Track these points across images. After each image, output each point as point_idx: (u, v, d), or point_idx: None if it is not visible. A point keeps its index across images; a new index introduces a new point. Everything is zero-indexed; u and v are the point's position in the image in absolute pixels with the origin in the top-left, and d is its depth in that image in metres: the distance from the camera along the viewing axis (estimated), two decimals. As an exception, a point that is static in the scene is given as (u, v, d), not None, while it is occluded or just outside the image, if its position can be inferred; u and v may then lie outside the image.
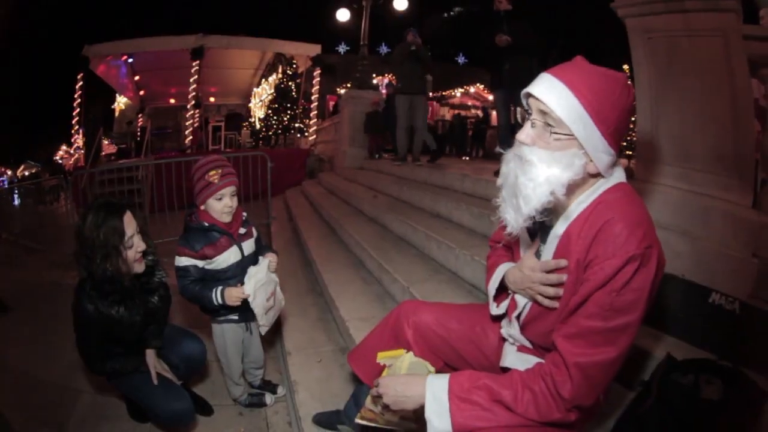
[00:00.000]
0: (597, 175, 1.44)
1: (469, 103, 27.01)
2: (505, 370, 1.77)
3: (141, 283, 2.60)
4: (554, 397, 1.37)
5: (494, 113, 17.49)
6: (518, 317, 1.70)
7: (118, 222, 2.35)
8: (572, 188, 1.43)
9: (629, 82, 1.39)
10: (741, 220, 2.59)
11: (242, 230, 2.91)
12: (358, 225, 5.65)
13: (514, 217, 1.48)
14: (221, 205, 2.73)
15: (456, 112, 22.64)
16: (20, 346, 4.20)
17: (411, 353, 1.79)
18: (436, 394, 1.48)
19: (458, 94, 27.02)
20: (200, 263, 2.75)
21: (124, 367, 2.57)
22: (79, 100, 16.69)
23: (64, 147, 31.00)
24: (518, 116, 1.56)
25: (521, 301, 1.65)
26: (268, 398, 3.15)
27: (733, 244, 2.54)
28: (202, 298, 2.72)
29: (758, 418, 1.61)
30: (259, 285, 2.76)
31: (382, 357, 1.83)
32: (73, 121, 17.16)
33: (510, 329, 1.75)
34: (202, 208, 2.77)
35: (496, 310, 1.81)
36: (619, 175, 1.47)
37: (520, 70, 5.77)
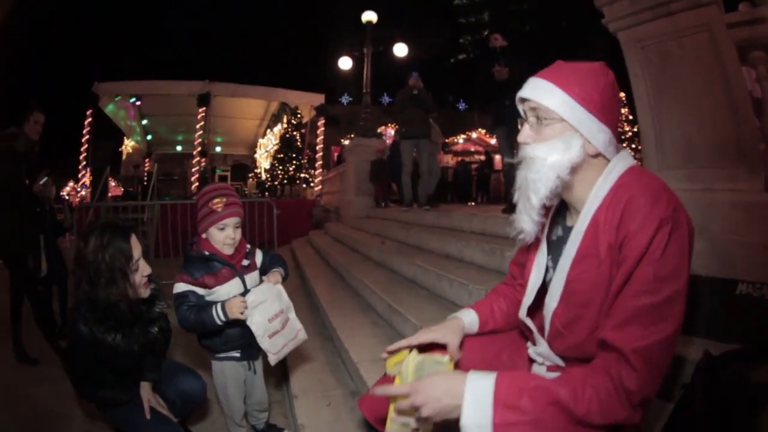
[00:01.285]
0: (599, 156, 1.48)
1: (472, 149, 27.39)
2: None
3: (141, 311, 2.48)
4: (618, 393, 1.25)
5: (497, 157, 17.63)
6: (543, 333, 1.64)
7: (124, 243, 2.27)
8: (580, 173, 1.49)
9: (606, 66, 1.50)
10: (754, 206, 2.57)
11: (246, 262, 2.81)
12: (366, 270, 5.57)
13: (528, 217, 1.53)
14: (223, 236, 2.65)
15: (460, 159, 22.86)
16: (15, 371, 4.22)
17: (414, 351, 1.64)
18: (478, 397, 1.30)
19: (461, 141, 27.37)
20: (199, 290, 2.63)
21: (117, 397, 2.44)
22: (87, 137, 16.84)
23: (71, 183, 31.14)
24: (519, 126, 1.64)
25: (547, 315, 1.58)
26: (273, 442, 3.01)
27: (750, 232, 2.51)
28: (203, 320, 2.54)
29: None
30: (256, 304, 2.61)
31: (391, 366, 1.71)
32: (81, 157, 17.23)
33: (538, 347, 1.66)
34: (204, 236, 2.69)
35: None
36: (628, 161, 1.50)
37: None
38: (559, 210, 1.69)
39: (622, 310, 1.29)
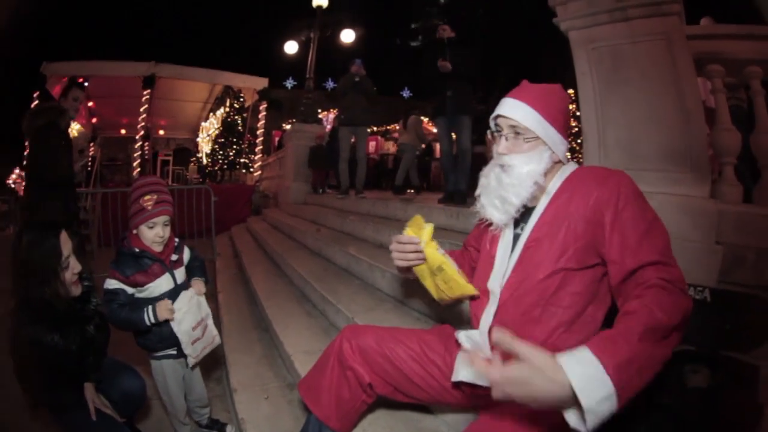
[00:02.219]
0: (559, 162, 1.88)
1: (415, 137, 27.28)
2: (457, 386, 1.93)
3: (76, 310, 2.48)
4: (670, 288, 1.45)
5: (437, 145, 17.71)
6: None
7: (54, 242, 2.27)
8: (546, 174, 1.84)
9: (562, 88, 1.92)
10: (699, 211, 2.76)
11: (174, 257, 2.86)
12: (301, 259, 5.62)
13: (502, 211, 1.86)
14: (152, 234, 2.69)
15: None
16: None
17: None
18: (589, 376, 1.22)
19: (403, 128, 27.18)
20: (129, 290, 2.68)
21: (61, 400, 2.44)
22: (33, 120, 16.04)
23: (17, 170, 29.67)
24: (488, 136, 2.00)
25: (494, 294, 1.88)
26: (217, 438, 3.07)
27: (694, 235, 2.72)
28: (133, 320, 2.62)
29: (756, 393, 1.69)
30: (183, 312, 2.73)
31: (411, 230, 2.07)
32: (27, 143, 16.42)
33: (473, 331, 1.92)
34: (134, 232, 2.72)
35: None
36: (575, 166, 1.92)
37: (462, 96, 5.95)
38: None
39: (629, 243, 1.60)
